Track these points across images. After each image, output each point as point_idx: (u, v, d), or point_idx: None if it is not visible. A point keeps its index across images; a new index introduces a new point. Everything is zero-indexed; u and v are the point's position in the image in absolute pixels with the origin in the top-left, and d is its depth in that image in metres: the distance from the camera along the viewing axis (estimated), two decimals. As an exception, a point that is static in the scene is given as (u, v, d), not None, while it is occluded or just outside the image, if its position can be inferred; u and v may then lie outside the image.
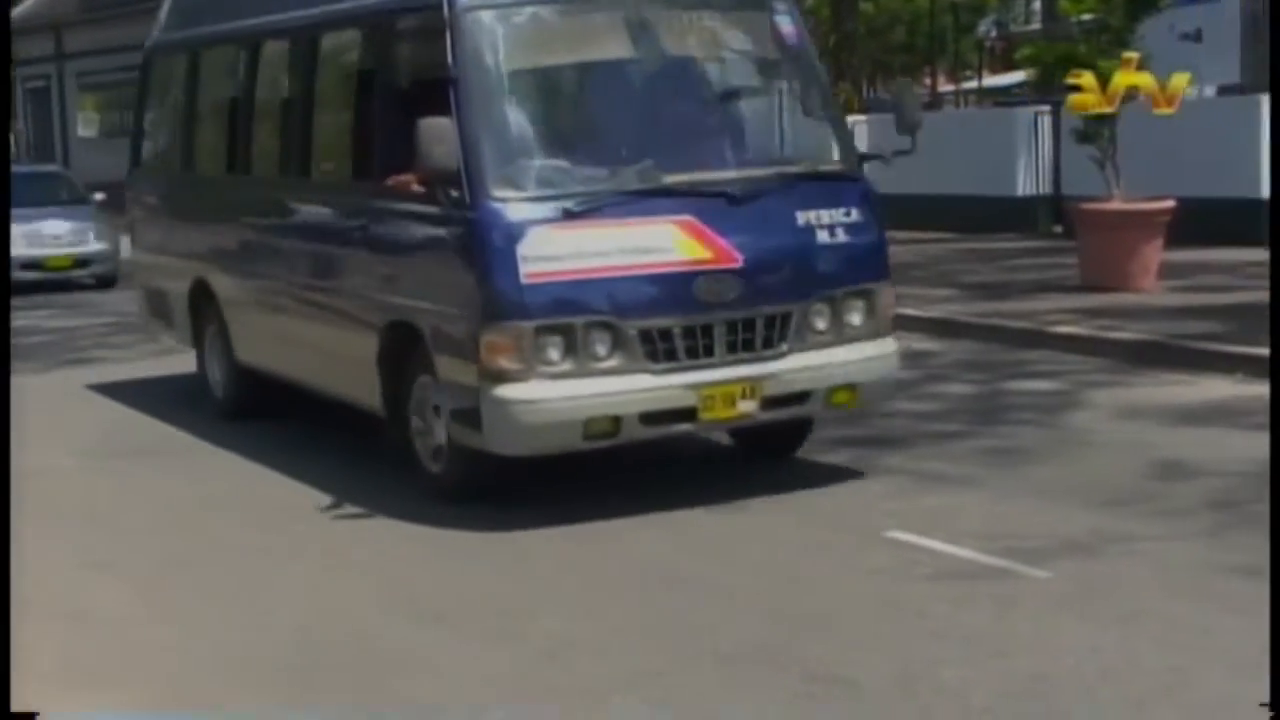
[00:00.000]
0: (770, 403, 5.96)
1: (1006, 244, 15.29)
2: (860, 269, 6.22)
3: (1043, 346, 9.68)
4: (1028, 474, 6.56)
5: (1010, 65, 32.54)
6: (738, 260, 5.84)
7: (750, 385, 5.87)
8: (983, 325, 10.47)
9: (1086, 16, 13.53)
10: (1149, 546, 5.35)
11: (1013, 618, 4.71)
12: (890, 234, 6.83)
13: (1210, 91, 16.73)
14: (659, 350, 5.72)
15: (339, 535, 6.01)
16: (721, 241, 5.83)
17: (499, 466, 5.93)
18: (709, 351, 5.80)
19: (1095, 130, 11.67)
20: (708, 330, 5.80)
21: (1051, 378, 8.82)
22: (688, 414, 5.81)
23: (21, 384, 8.01)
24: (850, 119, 20.53)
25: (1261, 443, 6.48)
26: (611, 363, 5.68)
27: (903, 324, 9.19)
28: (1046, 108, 15.93)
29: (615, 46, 6.45)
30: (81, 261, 16.13)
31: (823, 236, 6.09)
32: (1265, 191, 12.78)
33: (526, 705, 4.18)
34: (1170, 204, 11.35)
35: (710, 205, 5.87)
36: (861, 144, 19.11)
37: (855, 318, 6.14)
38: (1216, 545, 5.33)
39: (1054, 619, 4.69)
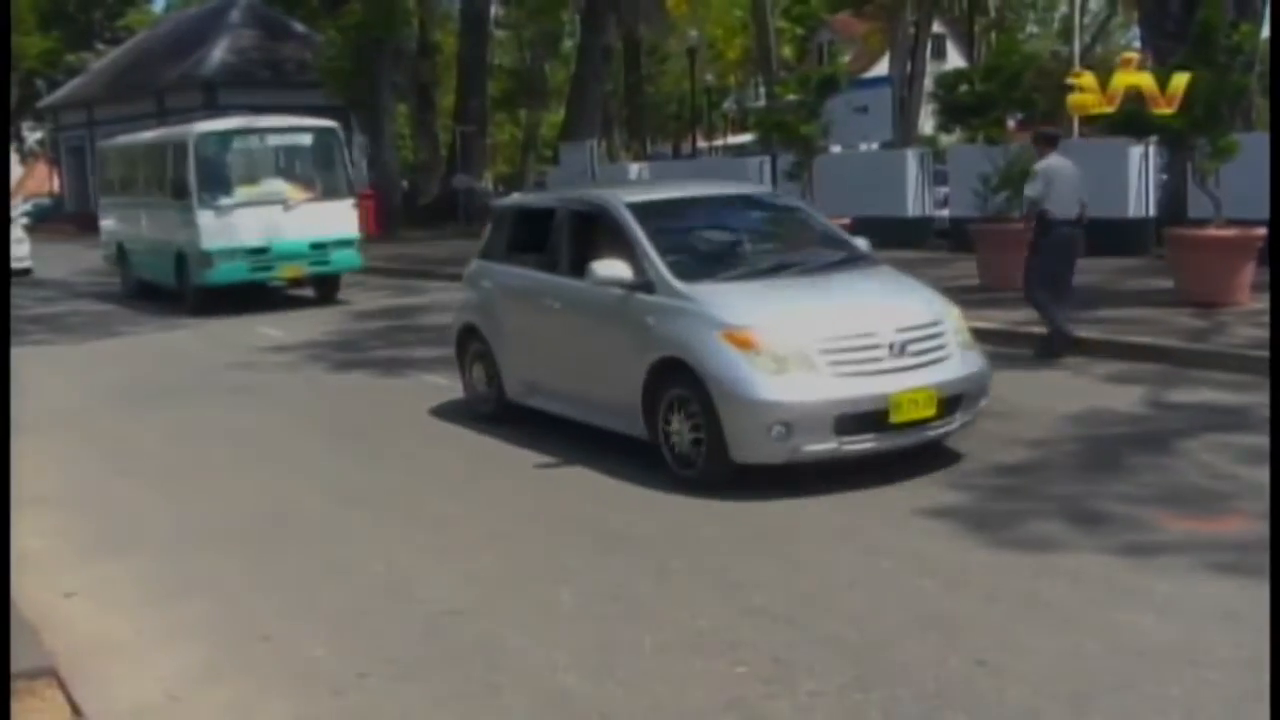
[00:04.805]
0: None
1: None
2: None
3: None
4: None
5: (744, 129, 46.57)
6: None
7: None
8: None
9: (793, 96, 17.35)
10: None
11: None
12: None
13: (875, 146, 23.97)
14: None
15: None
16: None
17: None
18: None
19: (797, 170, 16.63)
20: None
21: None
22: None
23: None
24: (637, 164, 28.04)
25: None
26: None
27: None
28: (767, 156, 22.07)
29: None
30: None
31: None
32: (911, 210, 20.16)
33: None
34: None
35: None
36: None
37: None
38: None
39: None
